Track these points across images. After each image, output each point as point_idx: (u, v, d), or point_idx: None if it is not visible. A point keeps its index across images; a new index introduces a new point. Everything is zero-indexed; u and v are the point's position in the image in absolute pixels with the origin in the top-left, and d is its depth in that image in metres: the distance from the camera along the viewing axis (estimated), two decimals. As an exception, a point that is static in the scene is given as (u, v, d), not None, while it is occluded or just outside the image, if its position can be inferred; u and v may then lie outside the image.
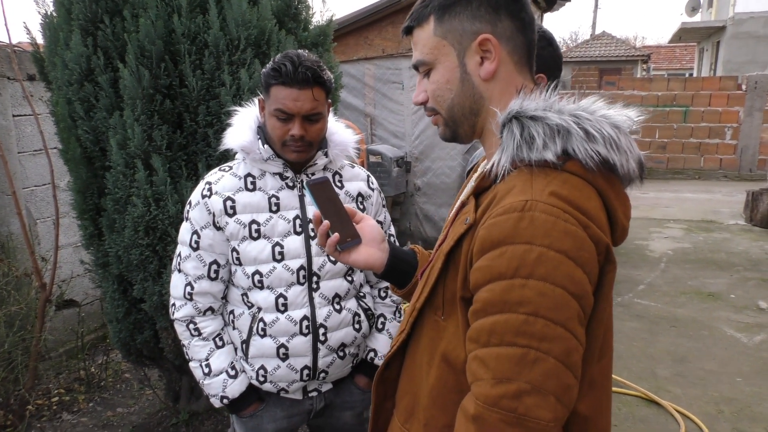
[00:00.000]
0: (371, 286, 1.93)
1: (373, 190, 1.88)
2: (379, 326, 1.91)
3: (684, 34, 16.34)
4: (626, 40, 25.99)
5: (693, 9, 18.59)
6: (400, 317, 1.95)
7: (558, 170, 0.91)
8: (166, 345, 3.00)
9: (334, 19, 3.31)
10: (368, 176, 1.89)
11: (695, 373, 3.86)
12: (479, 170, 1.25)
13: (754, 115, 11.23)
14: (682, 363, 4.00)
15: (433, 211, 6.04)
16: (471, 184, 1.17)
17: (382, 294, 1.93)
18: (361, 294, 1.86)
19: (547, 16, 7.93)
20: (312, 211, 1.72)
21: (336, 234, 1.22)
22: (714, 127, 11.31)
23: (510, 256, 0.86)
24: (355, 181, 1.84)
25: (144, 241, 2.68)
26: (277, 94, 1.58)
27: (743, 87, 11.19)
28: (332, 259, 1.73)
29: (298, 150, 1.63)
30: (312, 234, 1.72)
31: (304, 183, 1.23)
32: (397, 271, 1.31)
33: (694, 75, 20.22)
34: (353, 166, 1.88)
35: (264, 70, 1.62)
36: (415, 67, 1.11)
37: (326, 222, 1.21)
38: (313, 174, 1.76)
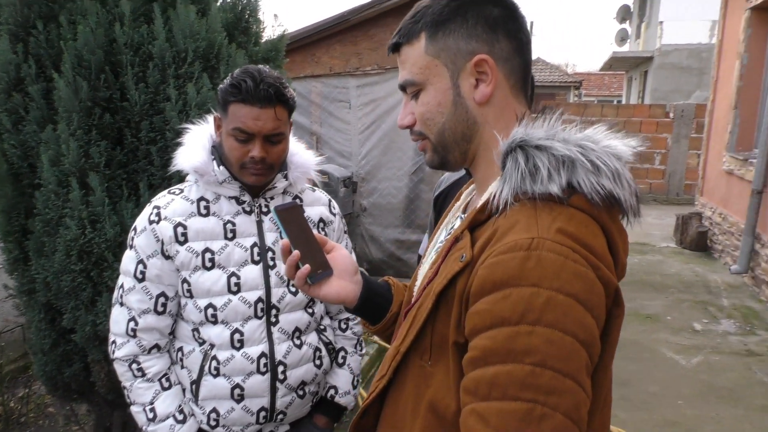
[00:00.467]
0: (331, 318, 1.81)
1: (335, 215, 1.77)
2: (340, 360, 1.79)
3: (615, 62, 17.09)
4: (559, 66, 27.01)
5: (622, 39, 19.52)
6: (361, 350, 1.84)
7: (563, 205, 0.84)
8: (98, 379, 2.76)
9: (285, 34, 3.20)
10: (329, 201, 1.79)
11: (639, 397, 3.90)
12: (463, 198, 1.16)
13: (681, 142, 11.81)
14: (626, 386, 4.04)
15: (379, 232, 5.97)
16: (460, 215, 1.08)
17: (343, 326, 1.81)
18: (322, 327, 1.74)
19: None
20: (271, 238, 1.60)
21: (307, 265, 1.11)
22: (644, 152, 11.81)
23: (515, 300, 0.78)
24: (317, 205, 1.73)
25: (77, 266, 2.45)
26: (236, 113, 1.46)
27: (671, 115, 11.76)
28: (293, 289, 1.61)
29: (257, 173, 1.51)
30: (271, 263, 1.59)
31: (272, 208, 1.12)
32: (371, 305, 1.20)
33: (623, 102, 21.18)
34: (314, 190, 1.77)
35: (221, 86, 1.50)
36: (402, 88, 1.02)
37: (296, 252, 1.10)
38: (271, 198, 1.64)
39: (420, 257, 1.95)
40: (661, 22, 14.50)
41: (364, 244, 6.11)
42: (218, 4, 2.96)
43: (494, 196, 0.87)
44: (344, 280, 1.17)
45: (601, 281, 0.80)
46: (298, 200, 1.70)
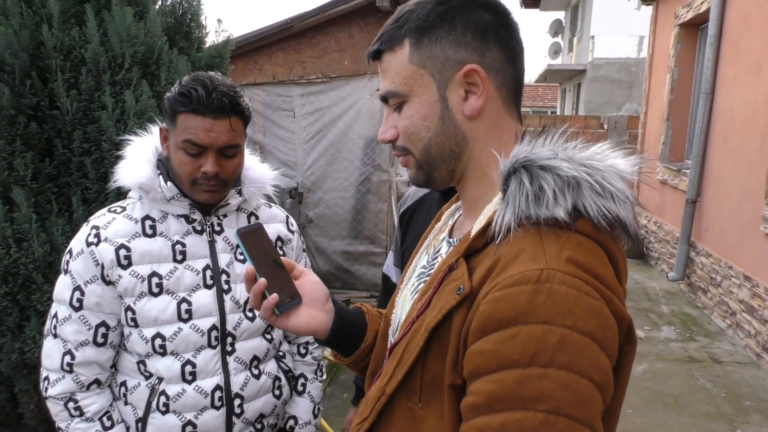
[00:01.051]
0: (290, 343, 1.69)
1: (293, 232, 1.65)
2: (299, 388, 1.67)
3: (549, 74, 17.59)
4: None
5: (555, 52, 20.14)
6: (321, 376, 1.72)
7: (569, 230, 0.76)
8: (27, 410, 2.52)
9: (230, 40, 3.06)
10: (287, 217, 1.67)
11: (589, 404, 3.92)
12: (445, 218, 1.08)
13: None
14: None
15: (326, 244, 5.83)
16: (446, 238, 0.99)
17: (302, 351, 1.69)
18: (281, 353, 1.61)
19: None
20: (225, 259, 1.47)
21: (274, 295, 0.99)
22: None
23: (525, 339, 0.69)
24: (273, 223, 1.61)
25: (1, 289, 2.23)
26: (186, 124, 1.33)
27: (605, 126, 12.18)
28: (250, 314, 1.48)
29: (211, 189, 1.38)
30: (225, 287, 1.45)
31: (235, 232, 1.00)
32: (344, 335, 1.09)
33: (557, 113, 21.84)
34: (270, 206, 1.65)
35: (168, 95, 1.36)
36: (384, 99, 0.92)
37: (262, 280, 0.98)
38: (224, 216, 1.51)
39: (385, 276, 1.86)
40: (593, 37, 15.03)
41: (310, 256, 5.96)
42: (157, 7, 2.80)
43: (496, 221, 0.78)
44: (315, 308, 1.06)
45: (615, 316, 0.73)
46: (253, 217, 1.57)
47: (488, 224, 0.80)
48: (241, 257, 1.50)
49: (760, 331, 4.60)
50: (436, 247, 1.01)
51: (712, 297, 5.63)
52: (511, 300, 0.71)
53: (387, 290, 1.85)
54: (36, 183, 2.30)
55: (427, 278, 0.96)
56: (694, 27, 6.93)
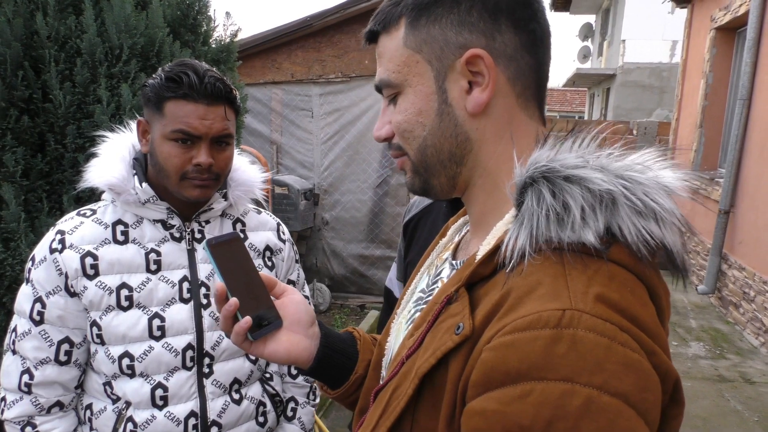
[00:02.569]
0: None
1: (284, 241, 1.49)
2: (289, 413, 1.51)
3: (578, 79, 17.22)
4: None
5: (584, 56, 19.77)
6: (315, 400, 1.56)
7: (600, 259, 0.59)
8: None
9: (239, 36, 2.92)
10: (278, 225, 1.51)
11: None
12: (451, 234, 0.91)
13: (642, 158, 11.89)
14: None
15: (342, 247, 5.68)
16: (449, 259, 0.82)
17: (293, 371, 1.53)
18: (267, 375, 1.45)
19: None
20: (205, 270, 1.32)
21: (247, 318, 0.83)
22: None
23: (539, 401, 0.52)
24: (262, 230, 1.46)
25: (-15, 292, 2.11)
26: (176, 112, 1.19)
27: (634, 132, 11.84)
28: (230, 333, 1.33)
29: (203, 184, 1.24)
30: (204, 301, 1.30)
31: (204, 243, 0.84)
32: (330, 366, 0.94)
33: (585, 118, 21.43)
34: (259, 212, 1.50)
35: (151, 81, 1.22)
36: (378, 89, 0.77)
37: (233, 300, 0.83)
38: (207, 222, 1.36)
39: (388, 290, 1.69)
40: (624, 41, 14.66)
41: (325, 259, 5.82)
42: (163, -2, 2.67)
43: (507, 244, 0.61)
44: (296, 333, 0.90)
45: (658, 372, 0.55)
46: (239, 224, 1.42)
47: (497, 247, 0.63)
48: (224, 268, 1.35)
49: (798, 352, 4.32)
50: (438, 267, 0.84)
51: (745, 312, 5.34)
52: (522, 348, 0.54)
53: (389, 306, 1.68)
54: (27, 180, 2.18)
55: (425, 306, 0.80)
56: (731, 31, 6.63)
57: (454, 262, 0.79)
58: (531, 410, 0.52)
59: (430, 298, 0.79)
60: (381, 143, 5.11)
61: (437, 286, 0.79)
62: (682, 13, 8.26)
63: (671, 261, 0.62)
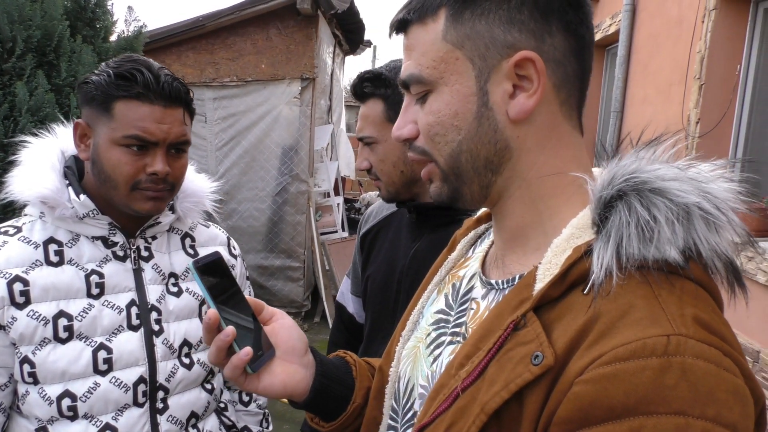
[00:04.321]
0: (230, 389, 1.40)
1: (236, 257, 1.38)
2: (242, 443, 1.39)
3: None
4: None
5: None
6: (268, 428, 1.45)
7: (681, 277, 0.57)
8: None
9: (142, 30, 2.71)
10: (228, 239, 1.39)
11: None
12: (463, 248, 0.86)
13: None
14: None
15: (238, 258, 5.46)
16: (479, 275, 0.76)
17: (245, 398, 1.41)
18: (222, 405, 1.33)
19: (348, 59, 7.90)
20: (155, 292, 1.18)
21: (247, 349, 0.74)
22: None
23: None
24: (212, 245, 1.33)
25: None
26: (128, 114, 1.05)
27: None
28: (186, 361, 1.19)
29: (157, 195, 1.11)
30: (156, 327, 1.16)
31: (190, 264, 0.74)
32: (328, 396, 0.85)
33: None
34: (207, 226, 1.37)
35: (95, 78, 1.07)
36: (405, 85, 0.70)
37: (230, 329, 0.73)
38: (153, 238, 1.21)
39: (340, 305, 1.61)
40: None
41: (220, 272, 5.54)
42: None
43: (597, 263, 0.57)
44: (291, 363, 0.81)
45: (753, 396, 0.54)
46: (188, 239, 1.29)
47: (569, 266, 0.59)
48: (175, 289, 1.21)
49: None
50: (460, 285, 0.79)
51: None
52: (627, 380, 0.50)
53: (343, 321, 1.61)
54: None
55: (454, 327, 0.74)
56: (601, 48, 7.21)
57: (491, 280, 0.73)
58: None
59: (463, 319, 0.74)
60: (281, 151, 4.90)
61: (469, 307, 0.74)
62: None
63: (735, 277, 0.61)
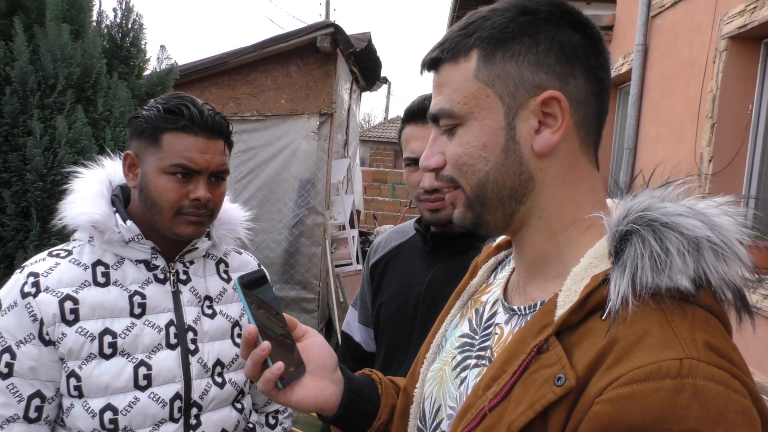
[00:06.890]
0: (257, 412, 1.46)
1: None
2: (267, 465, 1.44)
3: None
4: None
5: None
6: (292, 449, 1.50)
7: (692, 304, 0.62)
8: None
9: (174, 68, 2.84)
10: (259, 265, 1.47)
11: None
12: (485, 274, 0.92)
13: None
14: None
15: (253, 289, 5.51)
16: (501, 300, 0.81)
17: (271, 421, 1.46)
18: (251, 425, 1.38)
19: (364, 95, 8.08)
20: (192, 314, 1.25)
21: (279, 364, 0.80)
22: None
23: None
24: (244, 272, 1.40)
25: None
26: (175, 145, 1.15)
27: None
28: (218, 380, 1.25)
29: (199, 220, 1.19)
30: (192, 347, 1.23)
31: (235, 280, 0.81)
32: (356, 412, 0.90)
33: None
34: (240, 252, 1.45)
35: (145, 113, 1.17)
36: (435, 119, 0.76)
37: (266, 344, 0.78)
38: (191, 263, 1.29)
39: (346, 335, 1.67)
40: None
41: (236, 302, 5.61)
42: (93, 26, 2.54)
43: (615, 291, 0.62)
44: (322, 378, 0.87)
45: (761, 417, 0.59)
46: (223, 265, 1.36)
47: (588, 294, 0.65)
48: (209, 311, 1.28)
49: None
50: (483, 311, 0.84)
51: None
52: (644, 400, 0.55)
53: (349, 350, 1.66)
54: (-60, 217, 1.96)
55: (479, 351, 0.79)
56: (614, 87, 7.33)
57: (515, 307, 0.77)
58: None
59: (487, 342, 0.78)
60: (298, 184, 4.98)
61: (493, 332, 0.79)
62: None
63: (744, 304, 0.66)
